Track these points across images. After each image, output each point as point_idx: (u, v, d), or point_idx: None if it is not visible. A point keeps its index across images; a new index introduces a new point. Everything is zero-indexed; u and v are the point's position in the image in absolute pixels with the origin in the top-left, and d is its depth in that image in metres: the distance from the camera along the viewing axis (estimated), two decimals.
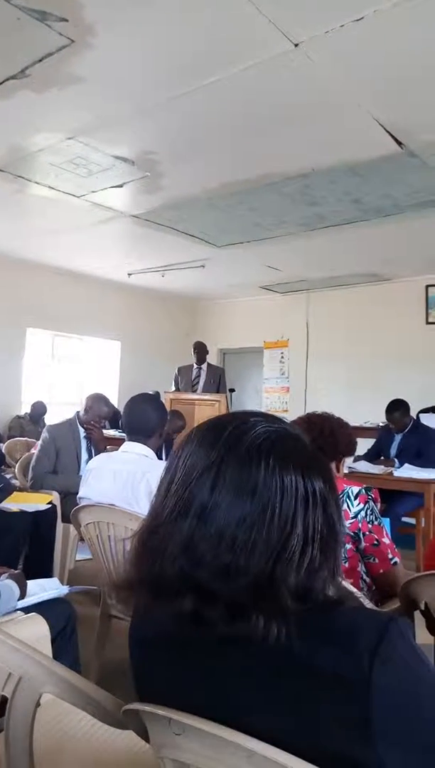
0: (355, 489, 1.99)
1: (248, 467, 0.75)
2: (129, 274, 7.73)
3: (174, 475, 0.81)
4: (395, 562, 1.96)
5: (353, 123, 3.48)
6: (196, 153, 3.98)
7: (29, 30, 2.68)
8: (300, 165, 4.11)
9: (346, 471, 3.82)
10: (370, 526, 1.96)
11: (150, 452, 2.33)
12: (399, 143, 3.71)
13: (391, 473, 4.37)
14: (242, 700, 0.75)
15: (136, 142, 3.84)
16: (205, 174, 4.34)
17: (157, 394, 7.16)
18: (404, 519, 4.54)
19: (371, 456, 5.04)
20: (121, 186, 4.58)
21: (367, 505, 1.98)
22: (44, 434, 3.83)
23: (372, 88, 3.10)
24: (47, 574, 3.13)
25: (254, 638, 0.71)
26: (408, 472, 4.34)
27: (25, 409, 7.42)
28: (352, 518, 1.96)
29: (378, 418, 5.86)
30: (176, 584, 0.75)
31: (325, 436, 2.02)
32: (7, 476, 4.06)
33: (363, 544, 1.96)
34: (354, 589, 1.63)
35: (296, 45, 2.74)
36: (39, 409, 7.24)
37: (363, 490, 2.00)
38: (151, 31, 2.68)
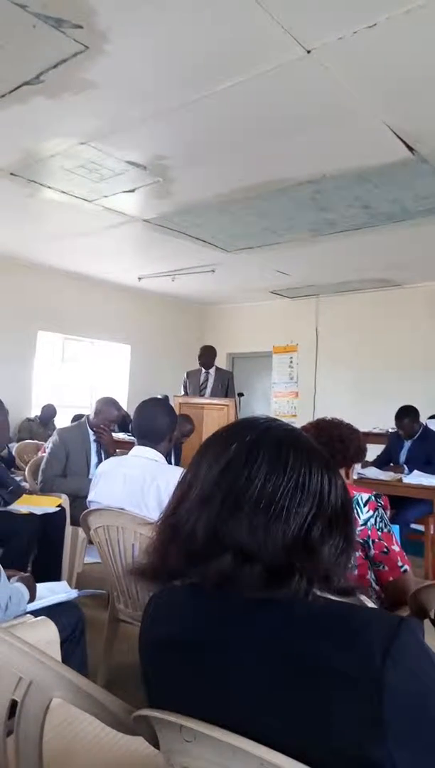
0: (365, 496, 1.98)
1: (278, 448, 0.82)
2: (139, 278, 7.76)
3: (197, 469, 0.86)
4: (405, 570, 1.95)
5: (365, 129, 3.48)
6: (207, 158, 4.00)
7: (45, 37, 2.70)
8: (311, 171, 4.11)
9: (355, 477, 3.81)
10: (379, 533, 1.95)
11: (160, 457, 2.34)
12: (410, 149, 3.70)
13: (400, 480, 4.35)
14: (254, 700, 0.76)
15: (149, 148, 3.86)
16: (217, 179, 4.35)
17: (165, 398, 7.18)
18: (413, 526, 4.52)
19: (381, 462, 5.02)
20: (132, 191, 4.60)
21: (376, 512, 1.97)
22: (54, 437, 3.85)
23: (384, 94, 3.10)
24: (56, 577, 3.14)
25: (291, 601, 0.75)
26: (417, 478, 4.32)
27: (36, 411, 7.45)
28: (362, 525, 1.95)
29: (387, 424, 5.84)
30: (212, 546, 0.78)
31: (335, 443, 2.01)
32: (17, 478, 4.07)
33: (372, 551, 1.95)
34: (366, 599, 1.62)
35: (309, 51, 2.74)
36: (49, 412, 7.27)
37: (372, 497, 1.98)
38: (164, 37, 2.70)
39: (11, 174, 4.39)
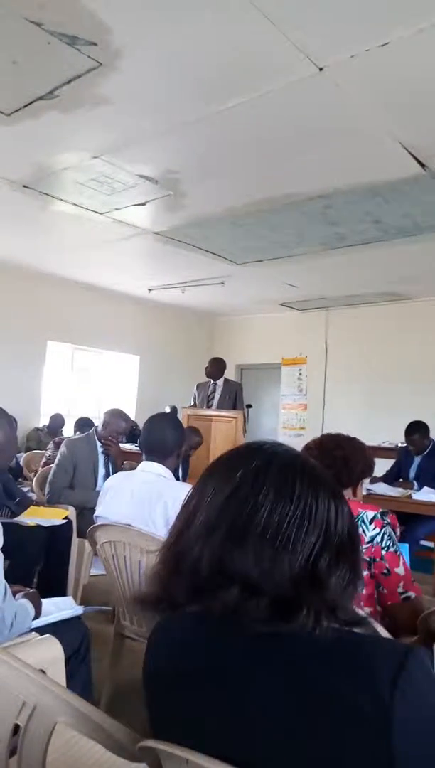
0: (370, 513, 1.93)
1: (285, 476, 0.81)
2: (149, 290, 7.79)
3: (202, 495, 0.84)
4: (407, 597, 1.87)
5: (376, 145, 3.48)
6: (219, 173, 4.02)
7: (59, 53, 2.74)
8: (322, 186, 4.12)
9: (363, 493, 3.77)
10: (383, 552, 1.88)
11: (167, 472, 2.33)
12: (422, 165, 3.70)
13: (409, 496, 4.31)
14: (262, 736, 0.74)
15: (160, 162, 3.89)
16: (228, 193, 4.37)
17: (174, 410, 7.18)
18: (423, 542, 4.48)
19: (390, 477, 4.99)
20: (144, 204, 4.63)
21: (382, 530, 1.91)
22: (62, 449, 3.85)
23: (396, 110, 3.11)
24: (61, 589, 3.13)
25: (299, 635, 0.73)
26: (427, 495, 4.28)
27: (44, 421, 7.47)
28: (368, 543, 1.90)
29: (397, 438, 5.81)
30: (217, 577, 0.77)
31: (339, 465, 1.97)
32: (25, 489, 4.07)
33: (374, 570, 1.90)
34: (372, 621, 1.59)
35: (321, 69, 2.76)
36: (57, 422, 7.28)
37: (378, 515, 1.93)
38: (177, 53, 2.72)
39: (24, 186, 4.43)
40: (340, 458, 1.98)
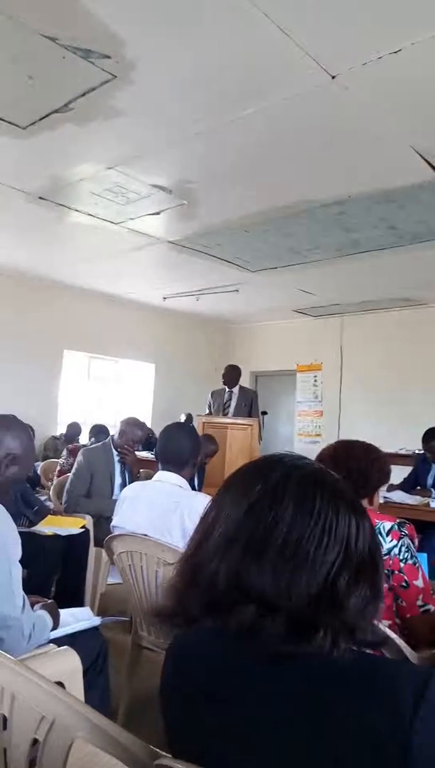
0: (387, 525, 1.89)
1: (305, 490, 0.79)
2: (164, 298, 7.82)
3: (220, 508, 0.83)
4: (426, 610, 1.82)
5: (390, 151, 3.48)
6: (233, 181, 4.03)
7: (74, 67, 2.77)
8: (336, 192, 4.12)
9: (380, 501, 3.72)
10: (401, 564, 1.84)
11: (184, 482, 2.32)
12: None
13: (427, 504, 4.26)
14: (280, 757, 0.73)
15: (174, 172, 3.91)
16: (242, 201, 4.38)
17: (189, 417, 7.19)
18: None
19: (407, 485, 4.92)
20: (158, 213, 4.66)
21: (400, 542, 1.88)
22: (79, 458, 3.87)
23: (409, 116, 3.10)
24: (79, 598, 3.14)
25: (316, 656, 0.71)
26: None
27: (61, 429, 7.51)
28: (385, 555, 1.86)
29: (414, 444, 5.74)
30: (234, 594, 0.76)
31: (355, 476, 1.92)
32: (42, 497, 4.10)
33: (392, 582, 1.87)
34: (391, 633, 1.57)
35: (334, 77, 2.76)
36: (74, 430, 7.31)
37: (396, 526, 1.89)
38: (190, 64, 2.74)
39: (40, 198, 4.48)
40: (355, 470, 1.93)
